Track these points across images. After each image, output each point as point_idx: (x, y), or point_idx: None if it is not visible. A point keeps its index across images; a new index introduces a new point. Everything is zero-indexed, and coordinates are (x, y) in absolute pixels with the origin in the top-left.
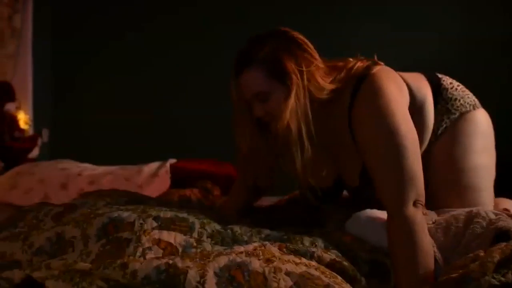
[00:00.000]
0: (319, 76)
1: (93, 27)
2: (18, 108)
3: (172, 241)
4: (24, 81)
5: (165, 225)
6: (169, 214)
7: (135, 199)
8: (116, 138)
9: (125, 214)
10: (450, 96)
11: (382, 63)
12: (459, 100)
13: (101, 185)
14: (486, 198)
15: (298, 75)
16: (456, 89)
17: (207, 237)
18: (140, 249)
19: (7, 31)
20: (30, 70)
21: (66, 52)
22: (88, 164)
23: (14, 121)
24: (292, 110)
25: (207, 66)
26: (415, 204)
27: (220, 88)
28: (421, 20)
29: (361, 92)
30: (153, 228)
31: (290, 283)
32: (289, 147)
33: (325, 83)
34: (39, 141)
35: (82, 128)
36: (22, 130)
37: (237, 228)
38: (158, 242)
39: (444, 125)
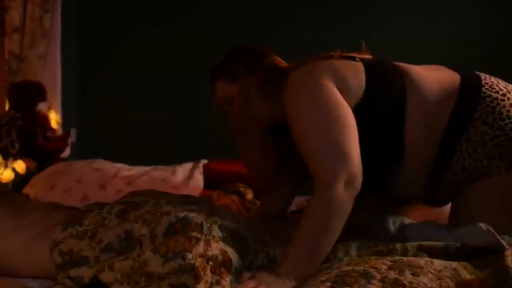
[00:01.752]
0: (266, 77)
1: (121, 26)
2: (49, 108)
3: (232, 258)
4: (53, 81)
5: (228, 237)
6: (231, 226)
7: (188, 201)
8: (143, 138)
9: (191, 215)
10: (491, 109)
11: (338, 57)
12: (508, 119)
13: (138, 186)
14: None
15: (247, 74)
16: (504, 105)
17: (256, 266)
18: (210, 254)
19: (38, 31)
20: (59, 70)
21: (94, 52)
22: (121, 164)
23: (46, 121)
24: (245, 106)
25: None
26: (346, 186)
27: None
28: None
29: (293, 74)
30: (219, 238)
31: None
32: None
33: (272, 83)
34: (69, 141)
35: (109, 127)
36: (53, 130)
37: None
38: (224, 253)
39: (481, 148)
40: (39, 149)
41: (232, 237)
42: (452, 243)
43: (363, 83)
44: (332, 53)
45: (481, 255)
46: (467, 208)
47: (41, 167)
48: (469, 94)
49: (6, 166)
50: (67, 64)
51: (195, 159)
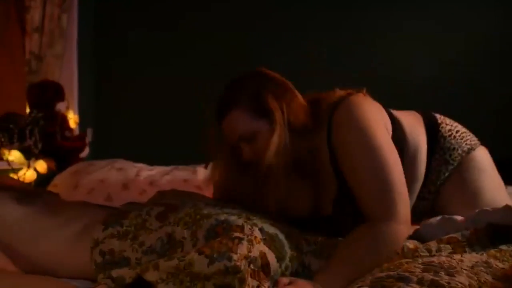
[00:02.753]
0: (298, 110)
1: (136, 26)
2: (67, 107)
3: (271, 262)
4: (70, 81)
5: (268, 241)
6: (271, 229)
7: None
8: (157, 137)
9: (231, 218)
10: (448, 145)
11: (364, 92)
12: (457, 150)
13: (161, 186)
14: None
15: (280, 111)
16: (455, 136)
17: (290, 273)
18: (252, 255)
19: (56, 31)
20: (75, 69)
21: (109, 52)
22: (141, 164)
23: (65, 120)
24: (277, 146)
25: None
26: (406, 224)
27: None
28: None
29: (337, 112)
30: (261, 239)
31: None
32: (268, 180)
33: (305, 116)
34: (87, 141)
35: (124, 127)
36: (71, 130)
37: None
38: (263, 256)
39: (444, 176)
40: (58, 149)
41: (271, 241)
42: (467, 231)
43: (390, 125)
44: (357, 90)
45: (502, 238)
46: (446, 205)
47: (60, 167)
48: (432, 131)
49: (29, 166)
50: (82, 64)
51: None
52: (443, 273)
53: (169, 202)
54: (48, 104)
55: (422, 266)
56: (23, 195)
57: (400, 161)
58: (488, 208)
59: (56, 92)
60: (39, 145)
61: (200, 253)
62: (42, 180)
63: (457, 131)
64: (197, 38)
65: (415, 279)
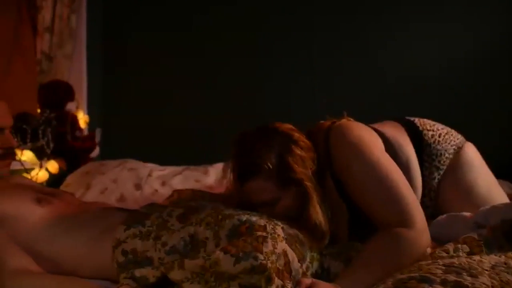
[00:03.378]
0: (311, 155)
1: (144, 26)
2: (77, 108)
3: (292, 261)
4: (79, 81)
5: (289, 240)
6: (291, 230)
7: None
8: (165, 138)
9: (254, 218)
10: (434, 152)
11: (350, 119)
12: (444, 154)
13: (173, 186)
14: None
15: (309, 177)
16: (439, 141)
17: (311, 274)
18: (277, 251)
19: (66, 31)
20: (84, 70)
21: (117, 52)
22: (151, 164)
23: (75, 120)
24: (320, 206)
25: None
26: (425, 232)
27: (274, 90)
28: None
29: (331, 138)
30: (283, 237)
31: None
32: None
33: (314, 155)
34: (96, 141)
35: (131, 127)
36: (81, 130)
37: None
38: (285, 254)
39: (437, 180)
40: (69, 149)
41: (292, 240)
42: (484, 229)
43: (381, 142)
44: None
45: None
46: (442, 203)
47: (70, 167)
48: (416, 141)
49: (41, 166)
50: (91, 64)
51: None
52: (465, 274)
53: (188, 204)
54: (59, 104)
55: (443, 268)
56: (42, 196)
57: (401, 172)
58: (499, 204)
59: (66, 92)
60: (51, 146)
61: (226, 252)
62: (54, 180)
63: (439, 135)
64: (207, 38)
65: (438, 280)
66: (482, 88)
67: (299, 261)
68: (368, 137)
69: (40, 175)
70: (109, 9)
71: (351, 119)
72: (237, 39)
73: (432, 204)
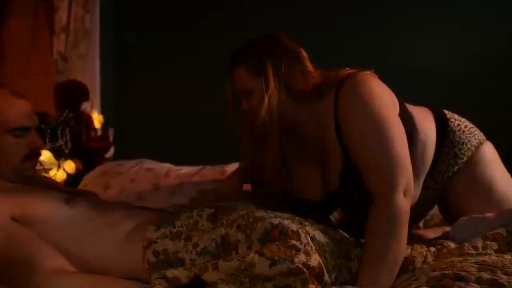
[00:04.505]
0: (301, 77)
1: (157, 26)
2: (91, 107)
3: (323, 272)
4: (92, 81)
5: (318, 250)
6: (322, 238)
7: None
8: (179, 137)
9: (285, 222)
10: (457, 139)
11: (372, 72)
12: (466, 144)
13: (191, 186)
14: None
15: (276, 74)
16: (464, 131)
17: (339, 282)
18: (311, 264)
19: (80, 31)
20: (97, 69)
21: (129, 52)
22: (167, 163)
23: (90, 120)
24: (269, 106)
25: None
26: (405, 194)
27: None
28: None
29: (345, 85)
30: (315, 250)
31: None
32: (265, 140)
33: (307, 83)
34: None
35: (145, 127)
36: (96, 130)
37: None
38: (320, 266)
39: (453, 169)
40: (85, 149)
41: (320, 251)
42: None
43: (397, 104)
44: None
45: None
46: (458, 198)
47: (86, 167)
48: (441, 125)
49: (59, 166)
50: (103, 64)
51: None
52: (500, 272)
53: (218, 204)
54: (74, 104)
55: (476, 265)
56: (70, 196)
57: (405, 134)
58: None
59: (81, 92)
60: (69, 146)
61: (261, 254)
62: (70, 180)
63: (465, 126)
64: (220, 38)
65: (473, 278)
66: (495, 85)
67: (327, 272)
68: (381, 94)
69: (58, 175)
70: (121, 8)
71: (375, 75)
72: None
73: (437, 187)
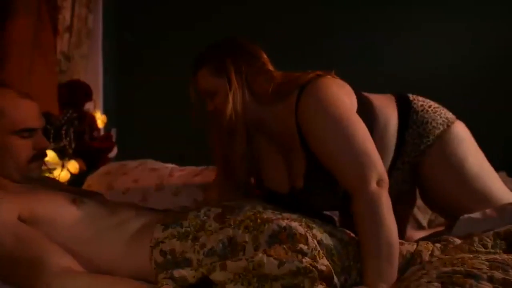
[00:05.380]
0: (261, 76)
1: (159, 26)
2: (94, 107)
3: (332, 277)
4: (95, 81)
5: (324, 254)
6: (329, 241)
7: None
8: (181, 138)
9: (293, 224)
10: (421, 119)
11: (333, 74)
12: (431, 123)
13: (195, 186)
14: (497, 184)
15: (238, 74)
16: (427, 110)
17: (350, 284)
18: (318, 268)
19: (83, 31)
20: (100, 70)
21: (131, 52)
22: (171, 164)
23: (93, 120)
24: (233, 104)
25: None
26: (378, 183)
27: None
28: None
29: (306, 91)
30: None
31: None
32: (231, 139)
33: (267, 83)
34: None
35: (147, 127)
36: (99, 130)
37: None
38: (328, 269)
39: (420, 148)
40: (88, 149)
41: (327, 254)
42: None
43: (355, 103)
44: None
45: None
46: (431, 178)
47: (89, 167)
48: (404, 108)
49: (63, 166)
50: (106, 64)
51: None
52: (511, 271)
53: (225, 203)
54: (77, 104)
55: (487, 263)
56: (76, 196)
57: (367, 130)
58: None
59: (84, 92)
60: (73, 146)
61: (269, 255)
62: (74, 180)
63: (429, 106)
64: (220, 38)
65: (484, 276)
66: (492, 87)
67: (336, 274)
68: (341, 97)
69: (62, 175)
70: (124, 8)
71: (336, 77)
72: (253, 38)
73: (405, 167)
